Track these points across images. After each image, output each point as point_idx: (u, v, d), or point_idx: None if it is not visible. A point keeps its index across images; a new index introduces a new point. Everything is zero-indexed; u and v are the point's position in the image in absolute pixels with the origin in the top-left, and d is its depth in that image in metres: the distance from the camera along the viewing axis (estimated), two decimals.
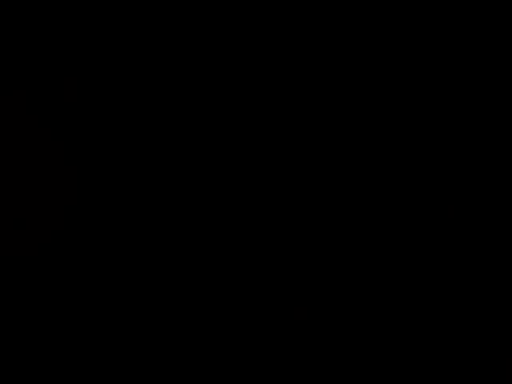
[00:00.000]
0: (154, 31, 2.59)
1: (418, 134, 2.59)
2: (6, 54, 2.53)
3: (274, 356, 2.50)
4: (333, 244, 2.54)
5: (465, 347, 2.50)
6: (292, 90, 2.60)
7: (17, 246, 2.47)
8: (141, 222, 2.54)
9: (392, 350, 2.51)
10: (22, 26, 2.53)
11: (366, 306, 2.51)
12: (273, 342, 2.50)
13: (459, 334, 2.51)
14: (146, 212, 2.54)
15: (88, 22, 2.56)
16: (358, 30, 2.60)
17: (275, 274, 2.52)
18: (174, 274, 2.52)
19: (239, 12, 2.59)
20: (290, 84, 2.60)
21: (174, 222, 2.53)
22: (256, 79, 2.59)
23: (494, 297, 2.52)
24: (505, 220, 2.53)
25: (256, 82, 2.60)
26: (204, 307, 2.51)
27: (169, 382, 2.49)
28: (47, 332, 2.48)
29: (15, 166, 2.49)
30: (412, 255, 2.54)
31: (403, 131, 2.59)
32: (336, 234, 2.54)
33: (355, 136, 2.59)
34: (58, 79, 2.54)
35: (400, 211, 2.56)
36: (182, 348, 2.50)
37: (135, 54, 2.58)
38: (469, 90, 2.59)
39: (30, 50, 2.55)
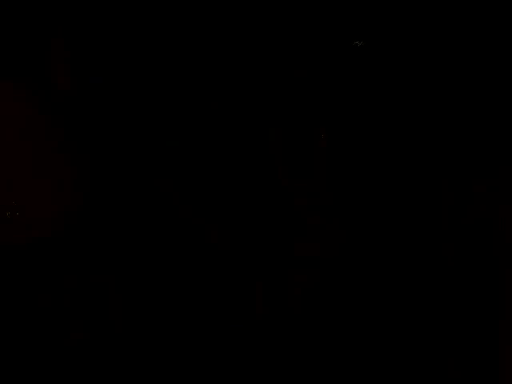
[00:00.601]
0: (150, 29, 2.57)
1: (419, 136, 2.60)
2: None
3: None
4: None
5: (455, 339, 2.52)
6: (292, 89, 2.60)
7: (16, 238, 2.46)
8: (141, 219, 2.53)
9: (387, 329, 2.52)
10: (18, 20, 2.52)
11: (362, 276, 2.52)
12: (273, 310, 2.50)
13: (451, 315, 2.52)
14: (147, 209, 2.54)
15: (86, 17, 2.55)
16: (357, 30, 2.59)
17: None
18: (172, 259, 2.52)
19: (237, 12, 2.58)
20: (291, 83, 2.60)
21: (170, 215, 2.53)
22: (255, 79, 2.59)
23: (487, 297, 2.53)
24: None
25: (254, 81, 2.59)
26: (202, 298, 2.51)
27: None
28: (45, 327, 2.48)
29: (15, 160, 2.49)
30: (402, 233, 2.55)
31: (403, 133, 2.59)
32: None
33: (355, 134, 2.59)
34: (51, 71, 2.52)
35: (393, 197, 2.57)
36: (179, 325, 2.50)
37: (129, 48, 2.57)
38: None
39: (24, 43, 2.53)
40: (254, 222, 2.51)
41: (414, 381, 2.51)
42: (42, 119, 2.49)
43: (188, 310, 2.51)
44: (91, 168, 2.52)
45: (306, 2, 2.56)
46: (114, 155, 2.55)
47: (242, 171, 2.54)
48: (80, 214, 2.51)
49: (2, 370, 2.42)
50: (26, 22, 2.51)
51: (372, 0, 2.57)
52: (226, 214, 2.50)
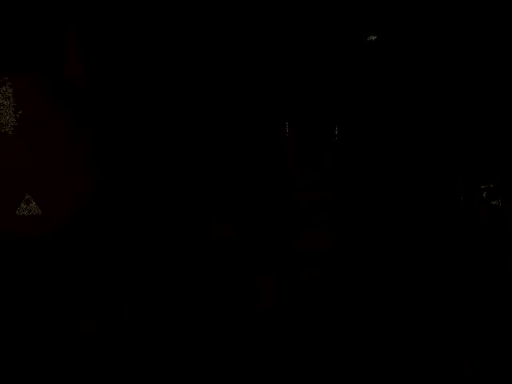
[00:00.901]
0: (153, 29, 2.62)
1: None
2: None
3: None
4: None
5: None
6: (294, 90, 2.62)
7: (28, 231, 2.47)
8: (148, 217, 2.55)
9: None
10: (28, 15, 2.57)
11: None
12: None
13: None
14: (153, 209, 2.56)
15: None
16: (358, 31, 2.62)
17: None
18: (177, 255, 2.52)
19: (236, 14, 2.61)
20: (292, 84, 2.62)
21: (178, 211, 2.54)
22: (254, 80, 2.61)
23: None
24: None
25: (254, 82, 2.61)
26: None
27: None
28: (56, 320, 2.48)
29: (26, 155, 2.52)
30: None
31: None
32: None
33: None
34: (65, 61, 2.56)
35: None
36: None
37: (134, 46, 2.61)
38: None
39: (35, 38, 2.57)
40: (262, 217, 2.51)
41: (420, 376, 2.45)
42: (55, 113, 2.53)
43: (194, 304, 2.50)
44: (103, 163, 2.55)
45: None
46: (125, 151, 2.58)
47: (251, 166, 2.56)
48: (91, 208, 2.53)
49: (12, 362, 2.42)
50: (40, 17, 2.56)
51: None
52: (233, 209, 2.51)
